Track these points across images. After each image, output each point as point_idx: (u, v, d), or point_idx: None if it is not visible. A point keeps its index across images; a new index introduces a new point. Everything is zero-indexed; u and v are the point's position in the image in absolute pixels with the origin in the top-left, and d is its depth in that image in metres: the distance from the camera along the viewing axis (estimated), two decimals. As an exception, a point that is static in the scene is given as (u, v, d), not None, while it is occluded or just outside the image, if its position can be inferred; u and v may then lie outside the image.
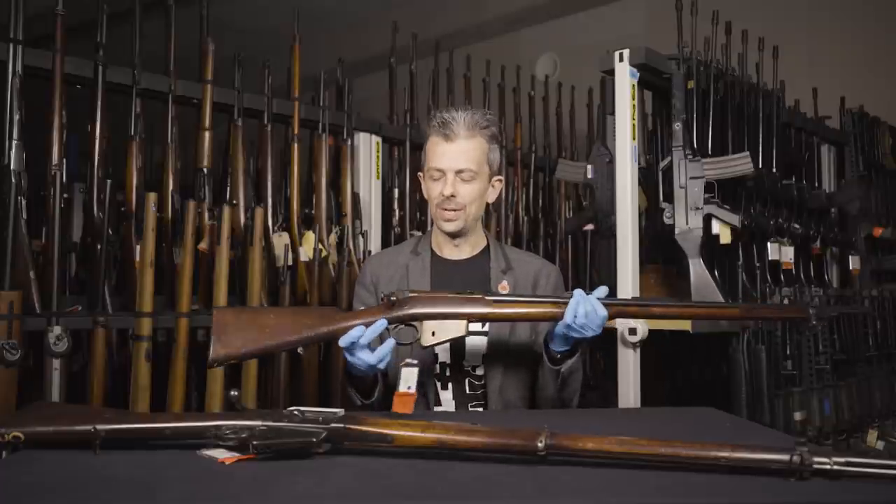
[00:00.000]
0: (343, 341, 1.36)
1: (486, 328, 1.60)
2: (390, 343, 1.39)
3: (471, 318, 1.37)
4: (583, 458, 1.03)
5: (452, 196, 1.58)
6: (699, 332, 2.31)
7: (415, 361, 1.39)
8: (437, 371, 1.61)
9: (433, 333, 1.35)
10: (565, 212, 3.76)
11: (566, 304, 1.39)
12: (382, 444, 1.09)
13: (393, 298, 1.39)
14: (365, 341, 1.36)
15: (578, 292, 1.40)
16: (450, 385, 1.62)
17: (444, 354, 1.61)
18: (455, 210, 1.59)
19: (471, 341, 1.60)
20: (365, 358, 1.38)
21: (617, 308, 1.43)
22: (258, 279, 2.29)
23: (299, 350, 2.32)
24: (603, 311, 1.39)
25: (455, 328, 1.36)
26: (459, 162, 1.58)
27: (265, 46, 2.80)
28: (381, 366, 1.41)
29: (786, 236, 2.81)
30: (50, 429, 1.15)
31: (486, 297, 1.39)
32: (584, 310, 1.38)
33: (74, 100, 2.11)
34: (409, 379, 1.36)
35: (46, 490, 0.97)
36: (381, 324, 1.37)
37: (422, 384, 1.54)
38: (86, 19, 2.15)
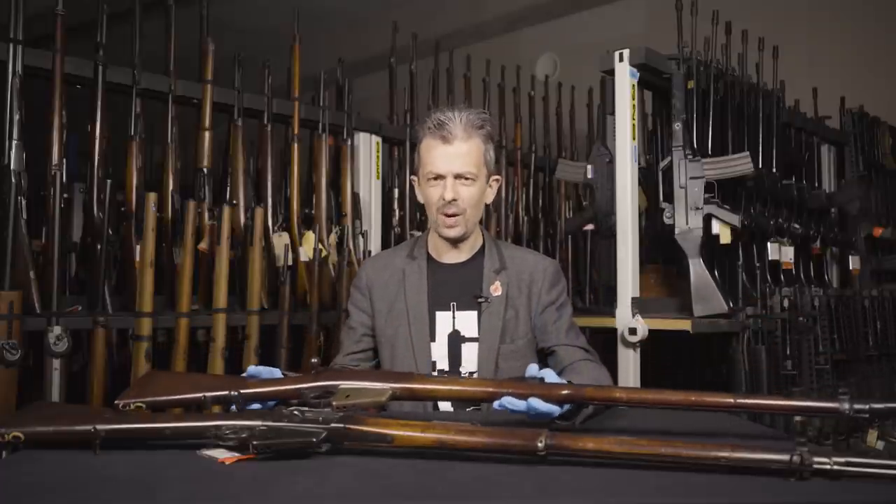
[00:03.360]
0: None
1: (477, 335, 1.60)
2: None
3: (394, 390, 1.27)
4: (583, 458, 1.03)
5: (454, 200, 1.56)
6: (699, 332, 2.31)
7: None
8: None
9: (347, 396, 1.25)
10: (565, 212, 3.76)
11: (502, 385, 1.24)
12: (382, 444, 1.09)
13: (313, 372, 1.31)
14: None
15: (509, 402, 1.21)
16: None
17: (441, 362, 1.61)
18: (456, 215, 1.58)
19: (465, 347, 1.60)
20: None
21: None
22: (258, 279, 2.29)
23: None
24: (544, 407, 1.19)
25: (374, 392, 1.26)
26: (458, 165, 1.56)
27: (265, 46, 2.80)
28: None
29: (786, 236, 2.81)
30: (50, 429, 1.15)
31: (416, 375, 1.38)
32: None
33: (74, 100, 2.11)
34: None
35: (46, 490, 0.97)
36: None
37: None
38: (86, 19, 2.15)
